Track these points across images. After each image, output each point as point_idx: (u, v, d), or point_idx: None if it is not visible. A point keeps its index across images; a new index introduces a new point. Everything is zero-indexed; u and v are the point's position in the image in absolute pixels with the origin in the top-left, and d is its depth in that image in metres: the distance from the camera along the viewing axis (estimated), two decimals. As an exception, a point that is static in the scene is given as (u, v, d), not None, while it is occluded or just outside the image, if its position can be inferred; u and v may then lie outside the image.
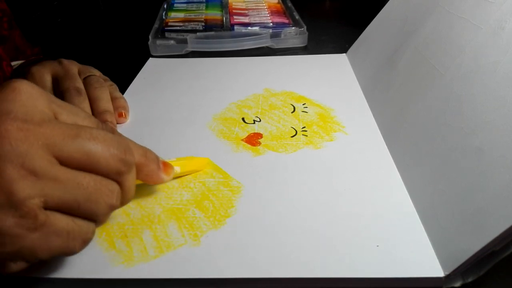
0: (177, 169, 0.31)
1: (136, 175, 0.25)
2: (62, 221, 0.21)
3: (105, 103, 0.39)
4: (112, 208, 0.23)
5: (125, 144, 0.23)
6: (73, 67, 0.41)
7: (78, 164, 0.21)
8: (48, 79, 0.39)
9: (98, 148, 0.22)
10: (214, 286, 0.25)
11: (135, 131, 0.40)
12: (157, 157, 0.28)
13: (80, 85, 0.39)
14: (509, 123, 0.25)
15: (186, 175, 0.33)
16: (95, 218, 0.22)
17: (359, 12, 0.80)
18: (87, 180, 0.21)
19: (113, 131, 0.24)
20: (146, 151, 0.27)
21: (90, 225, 0.22)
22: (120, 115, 0.40)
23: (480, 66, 0.30)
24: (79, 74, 0.41)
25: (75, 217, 0.22)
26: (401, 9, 0.46)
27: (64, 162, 0.21)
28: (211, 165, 0.34)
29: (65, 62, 0.41)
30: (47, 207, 0.20)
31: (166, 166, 0.29)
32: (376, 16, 0.53)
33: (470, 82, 0.30)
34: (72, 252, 0.22)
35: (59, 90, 0.38)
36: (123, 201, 0.24)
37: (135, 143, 0.26)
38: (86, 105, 0.37)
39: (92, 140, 0.22)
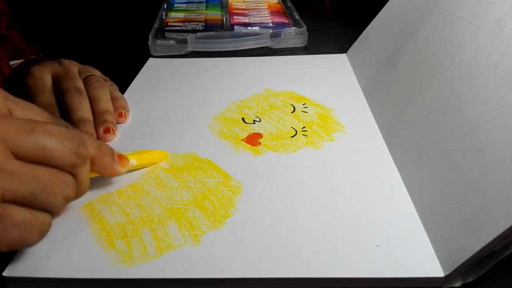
0: (133, 161, 0.32)
1: (91, 168, 0.27)
2: (19, 213, 0.22)
3: (105, 102, 0.39)
4: (68, 199, 0.24)
5: (79, 138, 0.24)
6: (73, 67, 0.41)
7: (33, 158, 0.22)
8: (48, 79, 0.39)
9: (52, 142, 0.23)
10: (214, 286, 0.25)
11: (135, 131, 0.40)
12: (111, 150, 0.29)
13: (80, 84, 0.39)
14: (509, 123, 0.25)
15: (144, 167, 0.34)
16: (51, 209, 0.23)
17: (359, 12, 0.80)
18: (42, 173, 0.22)
19: (67, 126, 0.25)
20: (100, 144, 0.28)
21: (47, 216, 0.23)
22: (120, 115, 0.41)
23: (480, 66, 0.30)
24: (79, 74, 0.41)
25: (32, 209, 0.22)
26: (401, 9, 0.46)
27: (20, 156, 0.22)
28: (167, 157, 0.35)
29: (65, 62, 0.41)
30: (4, 199, 0.21)
31: (121, 158, 0.30)
32: (376, 16, 0.53)
33: (470, 82, 0.30)
34: (29, 244, 0.23)
35: (59, 90, 0.38)
36: (78, 193, 0.25)
37: (89, 137, 0.27)
38: (86, 105, 0.37)
39: (47, 134, 0.23)
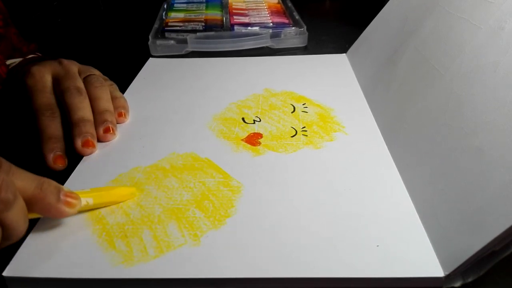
0: (89, 200, 0.29)
1: (31, 208, 0.25)
2: None
3: (105, 102, 0.39)
4: None
5: (1, 180, 0.22)
6: (73, 66, 0.41)
7: None
8: (48, 79, 0.39)
9: None
10: (214, 286, 0.25)
11: (135, 131, 0.40)
12: (57, 189, 0.26)
13: (81, 84, 0.39)
14: (509, 123, 0.25)
15: (104, 206, 0.30)
16: None
17: (359, 12, 0.80)
18: None
19: None
20: (42, 183, 0.25)
21: None
22: (120, 114, 0.40)
23: (480, 66, 0.30)
24: (79, 73, 0.41)
25: None
26: (401, 9, 0.46)
27: None
28: (135, 195, 0.31)
29: (65, 62, 0.41)
30: None
31: (70, 197, 0.26)
32: (376, 16, 0.53)
33: (470, 82, 0.30)
34: None
35: (59, 90, 0.38)
36: (10, 238, 0.24)
37: (30, 175, 0.25)
38: (86, 105, 0.37)
39: None
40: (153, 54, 0.59)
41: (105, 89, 0.40)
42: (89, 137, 0.36)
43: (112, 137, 0.38)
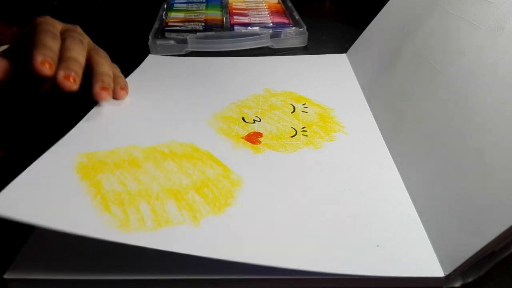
0: None
1: None
2: None
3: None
4: None
5: None
6: (56, 23, 0.40)
7: None
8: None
9: None
10: (214, 286, 0.25)
11: (134, 130, 0.40)
12: None
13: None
14: (509, 123, 0.25)
15: None
16: None
17: (359, 12, 0.80)
18: None
19: None
20: None
21: None
22: (122, 88, 0.42)
23: (480, 66, 0.30)
24: (63, 31, 0.40)
25: None
26: (401, 9, 0.46)
27: None
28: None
29: (40, 20, 0.39)
30: None
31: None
32: (376, 16, 0.53)
33: (470, 82, 0.30)
34: None
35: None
36: None
37: None
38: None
39: None
40: (153, 54, 0.59)
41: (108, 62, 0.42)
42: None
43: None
